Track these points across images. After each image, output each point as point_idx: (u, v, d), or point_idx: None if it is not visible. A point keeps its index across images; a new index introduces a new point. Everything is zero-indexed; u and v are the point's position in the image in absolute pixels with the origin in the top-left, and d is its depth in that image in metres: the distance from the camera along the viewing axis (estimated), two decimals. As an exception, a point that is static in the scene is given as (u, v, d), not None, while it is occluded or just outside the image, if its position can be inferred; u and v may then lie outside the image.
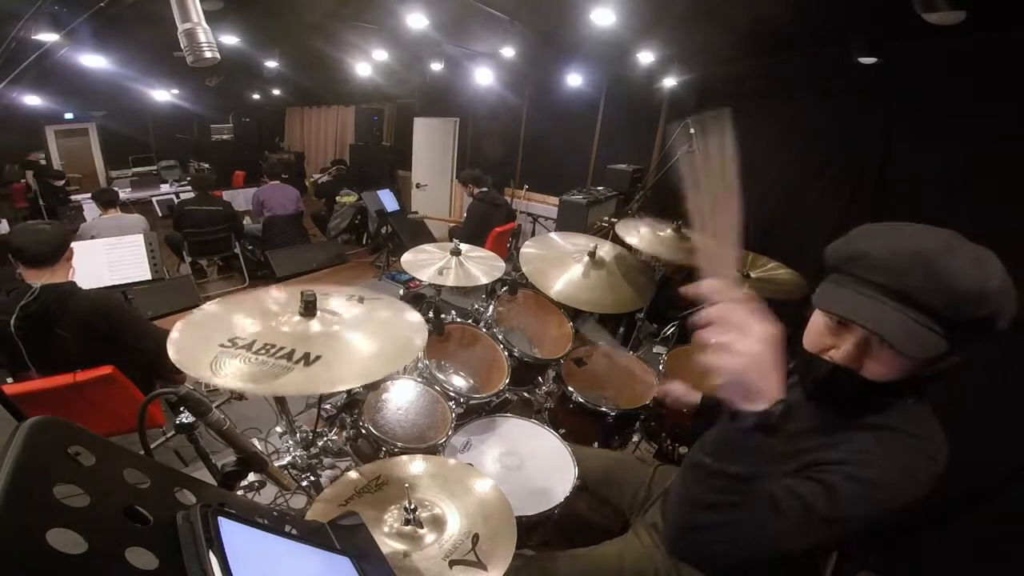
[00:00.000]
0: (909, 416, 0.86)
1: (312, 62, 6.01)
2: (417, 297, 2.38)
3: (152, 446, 1.41)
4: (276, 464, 1.25)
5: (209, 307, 1.23)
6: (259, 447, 0.96)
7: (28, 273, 1.77)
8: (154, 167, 8.60)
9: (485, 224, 4.45)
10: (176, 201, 5.72)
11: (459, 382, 2.02)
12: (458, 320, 2.11)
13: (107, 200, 4.06)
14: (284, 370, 1.00)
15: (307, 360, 1.04)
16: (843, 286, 0.84)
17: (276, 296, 1.27)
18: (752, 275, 2.36)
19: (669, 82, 4.14)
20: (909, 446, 0.82)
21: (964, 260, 0.75)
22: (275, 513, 0.73)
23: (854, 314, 0.80)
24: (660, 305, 2.77)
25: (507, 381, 1.87)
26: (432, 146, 6.62)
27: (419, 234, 4.94)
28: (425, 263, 2.03)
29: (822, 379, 0.87)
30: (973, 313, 0.74)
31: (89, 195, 5.28)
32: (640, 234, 2.27)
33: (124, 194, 5.85)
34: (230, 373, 0.98)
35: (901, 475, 0.79)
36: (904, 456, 0.81)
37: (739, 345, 0.65)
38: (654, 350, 3.08)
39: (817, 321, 0.89)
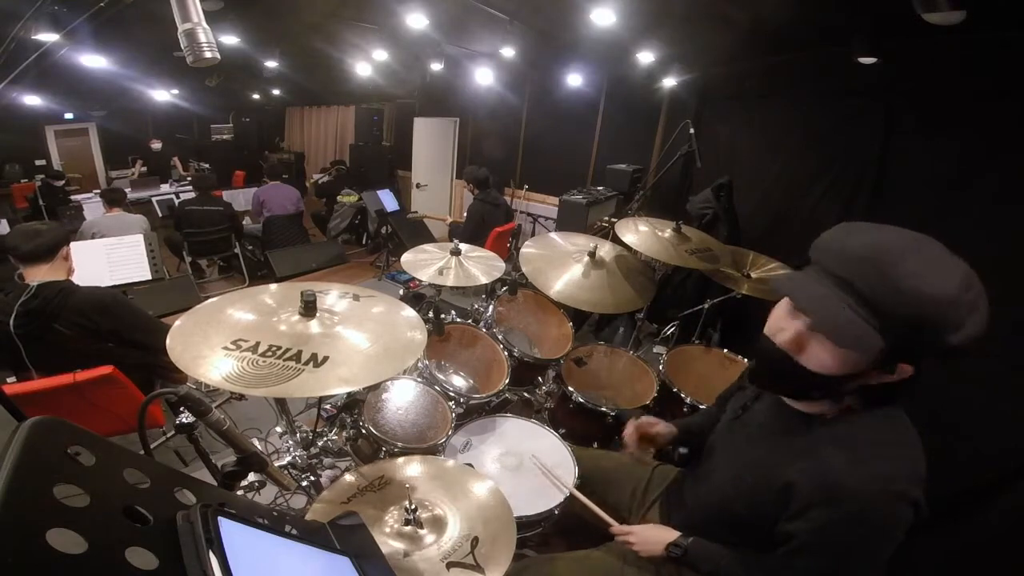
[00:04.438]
0: (877, 423, 0.85)
1: (312, 62, 6.00)
2: (417, 297, 2.38)
3: (152, 446, 1.41)
4: (276, 464, 1.25)
5: (204, 307, 1.20)
6: (259, 447, 0.96)
7: (26, 272, 1.79)
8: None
9: (485, 224, 4.44)
10: (176, 201, 5.72)
11: (459, 382, 2.02)
12: (458, 320, 2.11)
13: (113, 199, 4.09)
14: (295, 372, 1.00)
15: (316, 361, 1.04)
16: (804, 274, 0.86)
17: (272, 292, 1.27)
18: (752, 275, 2.35)
19: (669, 82, 4.13)
20: (887, 456, 0.82)
21: (922, 261, 0.73)
22: (275, 513, 0.73)
23: (793, 293, 0.82)
24: (660, 305, 2.76)
25: (507, 381, 1.87)
26: (432, 146, 6.61)
27: (419, 234, 4.93)
28: (425, 263, 2.03)
29: (760, 356, 0.91)
30: (917, 314, 0.71)
31: (89, 195, 5.28)
32: (639, 234, 2.26)
33: (123, 194, 5.83)
34: (241, 377, 0.98)
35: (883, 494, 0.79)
36: (881, 467, 0.81)
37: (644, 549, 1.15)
38: (654, 350, 3.08)
39: (778, 306, 0.92)
